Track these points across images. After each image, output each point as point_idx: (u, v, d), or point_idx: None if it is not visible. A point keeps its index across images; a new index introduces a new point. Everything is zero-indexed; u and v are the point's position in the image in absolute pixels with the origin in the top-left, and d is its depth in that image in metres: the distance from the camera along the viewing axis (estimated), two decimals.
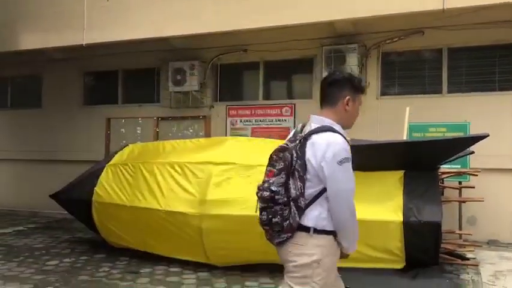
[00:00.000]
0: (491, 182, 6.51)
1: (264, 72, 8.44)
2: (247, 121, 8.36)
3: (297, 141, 2.28)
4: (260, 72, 8.44)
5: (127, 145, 6.47)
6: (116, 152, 6.35)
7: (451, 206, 6.31)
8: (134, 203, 5.51)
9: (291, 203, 2.23)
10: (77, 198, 6.04)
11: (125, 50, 8.58)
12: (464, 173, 5.90)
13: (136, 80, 9.45)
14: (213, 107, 8.62)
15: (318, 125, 2.31)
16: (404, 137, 5.91)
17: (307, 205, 2.26)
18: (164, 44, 8.22)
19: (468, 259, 5.50)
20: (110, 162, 6.06)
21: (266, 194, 2.24)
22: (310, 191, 2.26)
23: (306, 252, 2.26)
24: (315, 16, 6.77)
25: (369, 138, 5.57)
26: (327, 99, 2.40)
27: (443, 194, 6.23)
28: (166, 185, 5.36)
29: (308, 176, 2.25)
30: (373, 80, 7.61)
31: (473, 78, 7.15)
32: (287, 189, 2.24)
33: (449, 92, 7.21)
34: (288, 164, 2.24)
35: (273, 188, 2.23)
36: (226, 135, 8.20)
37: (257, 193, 2.31)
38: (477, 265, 5.33)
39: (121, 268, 5.38)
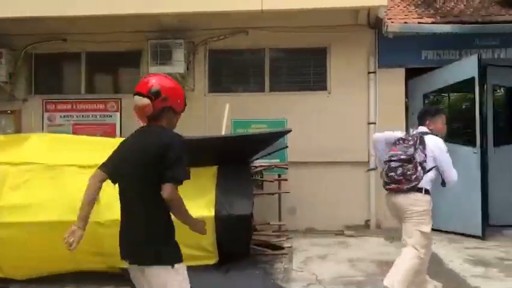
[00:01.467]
0: (306, 174, 7.05)
1: (87, 64, 7.82)
2: (67, 117, 7.63)
3: (416, 137, 3.83)
4: (82, 64, 7.80)
5: None
6: None
7: (273, 198, 6.64)
8: None
9: (417, 164, 3.70)
10: None
11: None
12: (276, 166, 6.21)
13: None
14: (27, 100, 7.70)
15: (423, 131, 3.97)
16: (223, 133, 5.98)
17: (425, 172, 3.74)
18: None
19: (283, 248, 5.80)
20: None
21: (404, 156, 3.73)
22: (428, 164, 3.76)
23: (420, 204, 3.75)
24: (135, 8, 6.48)
25: (196, 134, 5.50)
26: (429, 123, 4.03)
27: (262, 187, 6.53)
28: None
29: (428, 155, 3.77)
30: (201, 76, 7.60)
31: (292, 78, 7.64)
32: (414, 157, 3.71)
33: (271, 90, 7.57)
34: (414, 143, 3.76)
35: (409, 152, 3.72)
36: (42, 132, 7.37)
37: (391, 157, 3.81)
38: (287, 254, 5.65)
39: None
